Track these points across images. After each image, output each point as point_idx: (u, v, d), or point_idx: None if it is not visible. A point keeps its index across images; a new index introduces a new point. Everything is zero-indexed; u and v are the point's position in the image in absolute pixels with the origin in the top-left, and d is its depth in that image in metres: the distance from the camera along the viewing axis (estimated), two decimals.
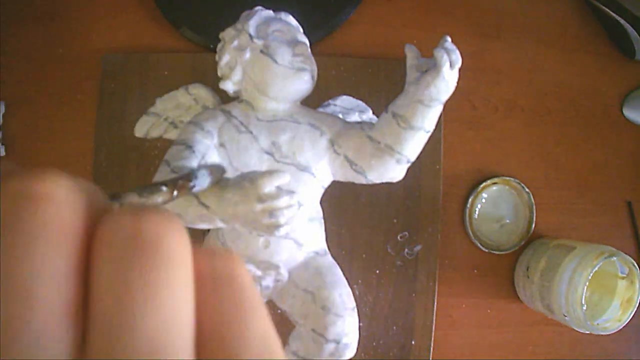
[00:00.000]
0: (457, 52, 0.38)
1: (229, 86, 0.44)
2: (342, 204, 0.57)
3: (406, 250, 0.57)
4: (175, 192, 0.29)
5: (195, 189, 0.31)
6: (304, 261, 0.43)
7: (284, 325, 0.55)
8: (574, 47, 0.64)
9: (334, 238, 0.55)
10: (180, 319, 0.12)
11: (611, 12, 0.60)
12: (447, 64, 0.37)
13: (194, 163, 0.39)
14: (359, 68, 0.58)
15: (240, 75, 0.44)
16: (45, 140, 0.58)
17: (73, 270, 0.11)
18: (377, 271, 0.57)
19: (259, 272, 0.42)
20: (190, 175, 0.31)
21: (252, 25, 0.43)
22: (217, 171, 0.34)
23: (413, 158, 0.41)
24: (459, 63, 0.38)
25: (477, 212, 0.60)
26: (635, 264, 0.51)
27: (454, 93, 0.39)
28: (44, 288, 0.11)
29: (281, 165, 0.42)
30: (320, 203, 0.45)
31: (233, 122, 0.43)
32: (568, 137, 0.63)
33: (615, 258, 0.50)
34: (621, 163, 0.63)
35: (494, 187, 0.60)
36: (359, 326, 0.42)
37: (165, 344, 0.11)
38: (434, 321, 0.57)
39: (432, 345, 0.57)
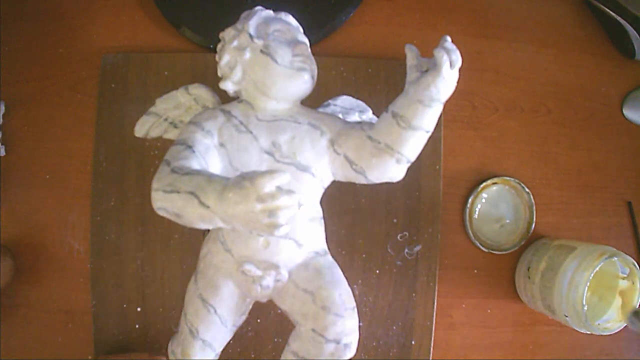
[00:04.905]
0: (457, 51, 0.38)
1: (229, 86, 0.44)
2: (342, 204, 0.57)
3: (406, 250, 0.57)
4: None
5: None
6: (304, 261, 0.43)
7: (284, 325, 0.56)
8: (574, 47, 0.64)
9: (334, 238, 0.55)
10: None
11: (611, 12, 0.60)
12: (447, 64, 0.37)
13: (194, 163, 0.39)
14: (359, 68, 0.58)
15: (240, 75, 0.43)
16: (45, 140, 0.58)
17: None
18: (377, 271, 0.57)
19: (259, 272, 0.42)
20: None
21: (252, 25, 0.43)
22: None
23: (413, 158, 0.41)
24: (459, 63, 0.38)
25: (477, 212, 0.60)
26: (636, 264, 0.51)
27: (454, 93, 0.39)
28: None
29: (281, 165, 0.42)
30: (320, 203, 0.45)
31: (233, 122, 0.43)
32: (568, 137, 0.63)
33: (616, 258, 0.50)
34: (621, 163, 0.64)
35: (494, 187, 0.60)
36: (359, 326, 0.42)
37: None
38: (434, 321, 0.57)
39: (432, 345, 0.57)
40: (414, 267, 0.57)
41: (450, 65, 0.37)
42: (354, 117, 0.50)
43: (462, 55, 0.38)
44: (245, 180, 0.32)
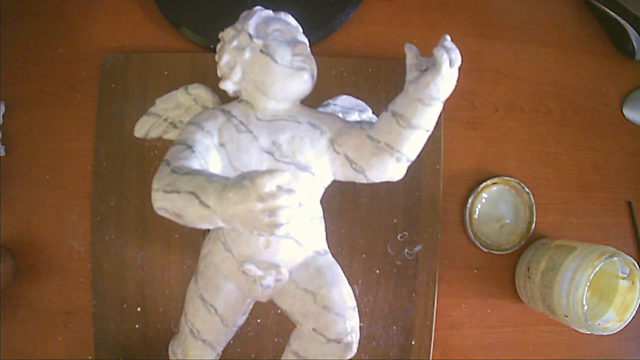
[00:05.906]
0: (457, 50, 0.38)
1: (228, 86, 0.44)
2: (342, 204, 0.57)
3: (406, 250, 0.57)
4: None
5: None
6: (304, 261, 0.43)
7: (284, 325, 0.56)
8: (574, 47, 0.64)
9: (334, 238, 0.55)
10: None
11: (611, 12, 0.61)
12: (447, 63, 0.37)
13: (194, 163, 0.39)
14: (359, 68, 0.58)
15: (240, 75, 0.43)
16: (45, 140, 0.58)
17: None
18: (377, 271, 0.57)
19: (259, 272, 0.42)
20: None
21: (251, 25, 0.43)
22: None
23: (413, 157, 0.41)
24: (458, 62, 0.38)
25: (477, 212, 0.60)
26: (636, 264, 0.51)
27: (454, 93, 0.39)
28: None
29: (281, 164, 0.42)
30: (320, 202, 0.45)
31: (233, 121, 0.43)
32: (568, 137, 0.63)
33: (616, 258, 0.50)
34: (621, 163, 0.64)
35: (494, 187, 0.60)
36: (359, 326, 0.42)
37: None
38: (434, 321, 0.57)
39: (432, 345, 0.57)
40: (414, 267, 0.57)
41: (450, 64, 0.37)
42: (354, 117, 0.50)
43: (462, 55, 0.38)
44: (245, 179, 0.32)
